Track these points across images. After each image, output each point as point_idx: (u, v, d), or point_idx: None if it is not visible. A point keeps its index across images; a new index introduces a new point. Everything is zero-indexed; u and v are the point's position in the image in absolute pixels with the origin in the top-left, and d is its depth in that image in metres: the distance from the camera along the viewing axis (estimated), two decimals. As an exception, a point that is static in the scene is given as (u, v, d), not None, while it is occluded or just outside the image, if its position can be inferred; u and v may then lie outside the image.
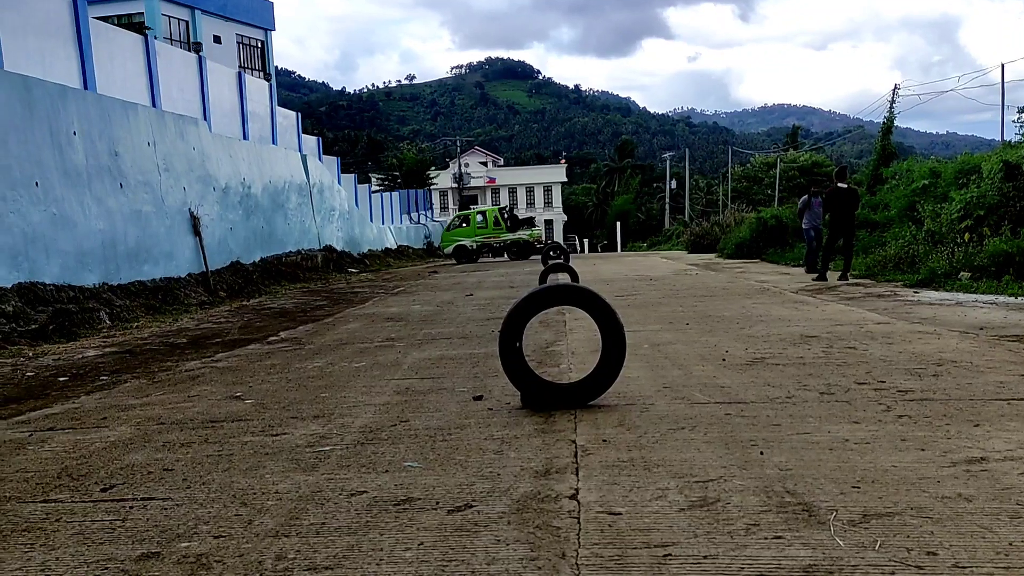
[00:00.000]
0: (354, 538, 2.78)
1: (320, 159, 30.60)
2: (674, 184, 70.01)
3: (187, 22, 29.70)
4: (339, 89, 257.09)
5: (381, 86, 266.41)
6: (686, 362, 6.12)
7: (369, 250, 32.22)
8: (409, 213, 49.60)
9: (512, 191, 78.08)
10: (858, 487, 3.06)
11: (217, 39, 30.83)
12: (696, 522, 2.78)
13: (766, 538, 2.61)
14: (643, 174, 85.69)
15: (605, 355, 4.64)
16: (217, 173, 18.10)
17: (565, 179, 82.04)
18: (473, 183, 73.58)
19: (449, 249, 33.72)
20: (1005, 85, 32.18)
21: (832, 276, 13.84)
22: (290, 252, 22.24)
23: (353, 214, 31.52)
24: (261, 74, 32.12)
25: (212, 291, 15.51)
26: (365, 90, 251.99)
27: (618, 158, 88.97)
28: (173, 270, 15.16)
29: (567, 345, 7.32)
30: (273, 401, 5.43)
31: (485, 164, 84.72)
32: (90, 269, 12.56)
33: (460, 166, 69.68)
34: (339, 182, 31.91)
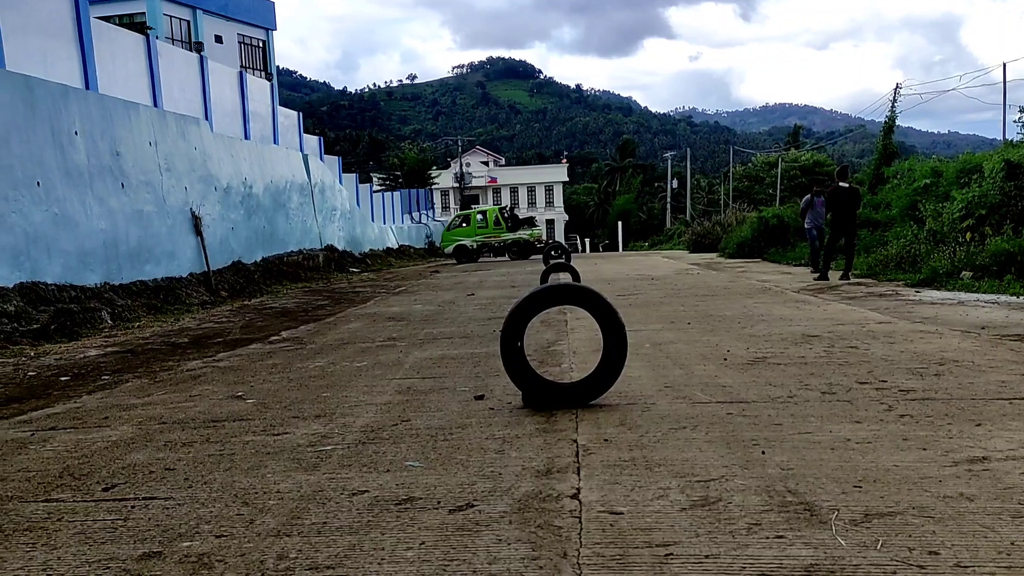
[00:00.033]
0: (356, 537, 2.78)
1: (321, 159, 30.61)
2: (675, 184, 69.99)
3: (188, 22, 29.72)
4: (340, 89, 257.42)
5: (382, 86, 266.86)
6: (687, 361, 6.11)
7: (370, 250, 32.23)
8: (410, 213, 49.61)
9: (513, 191, 78.08)
10: (860, 487, 3.06)
11: (219, 39, 30.84)
12: (698, 521, 2.77)
13: (768, 538, 2.61)
14: (644, 174, 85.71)
15: (606, 355, 4.64)
16: (219, 173, 18.11)
17: (566, 179, 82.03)
18: (474, 183, 73.61)
19: (449, 249, 33.72)
20: (1007, 84, 32.13)
21: (834, 275, 13.83)
22: (291, 252, 22.25)
23: (354, 214, 31.53)
24: (263, 74, 32.12)
25: (214, 291, 15.52)
26: (366, 90, 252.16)
27: (619, 158, 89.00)
28: (175, 270, 15.16)
29: (568, 344, 7.32)
30: (275, 401, 5.43)
31: (486, 164, 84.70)
32: (92, 269, 12.57)
33: (461, 166, 69.73)
34: (340, 182, 31.92)
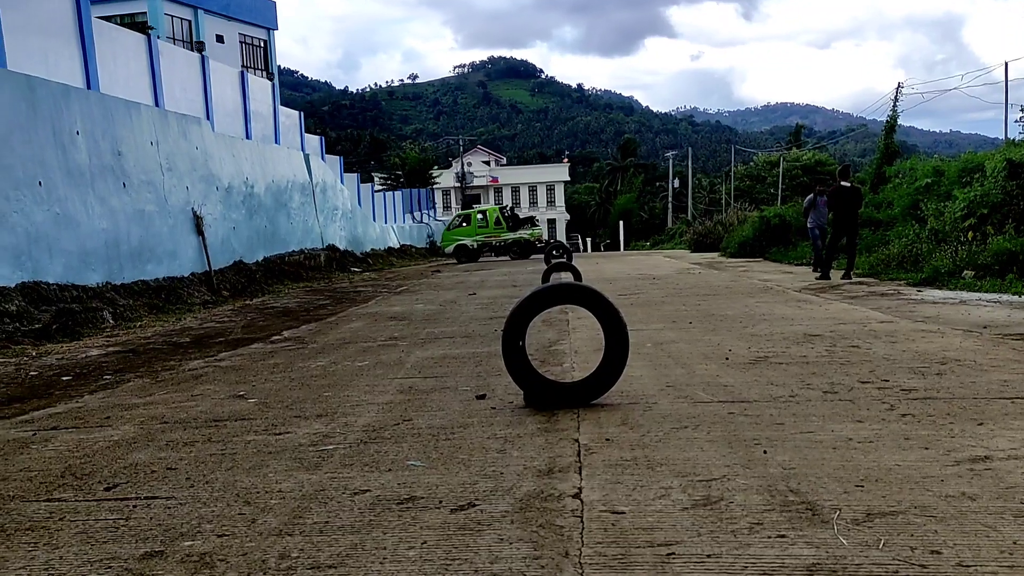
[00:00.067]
0: (357, 537, 2.78)
1: (323, 158, 30.62)
2: (677, 183, 69.98)
3: (190, 21, 29.74)
4: (342, 88, 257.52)
5: (384, 85, 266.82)
6: (689, 361, 6.11)
7: (372, 249, 32.24)
8: (412, 212, 49.61)
9: (515, 190, 78.06)
10: (862, 486, 3.05)
11: (220, 38, 30.85)
12: (699, 521, 2.77)
13: (769, 537, 2.61)
14: (646, 173, 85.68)
15: (608, 354, 4.64)
16: (220, 172, 18.12)
17: (568, 178, 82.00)
18: (476, 182, 73.61)
19: (450, 248, 33.72)
20: (1008, 84, 32.12)
21: (835, 275, 13.82)
22: (293, 251, 22.27)
23: (356, 213, 31.54)
24: (264, 73, 32.13)
25: (215, 290, 15.54)
26: (368, 89, 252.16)
27: (621, 157, 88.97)
28: (176, 269, 15.18)
29: (570, 344, 7.32)
30: (276, 400, 5.43)
31: (488, 163, 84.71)
32: (93, 268, 12.58)
33: (463, 165, 69.74)
34: (342, 181, 31.94)
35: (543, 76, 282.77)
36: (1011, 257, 11.18)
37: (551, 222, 73.89)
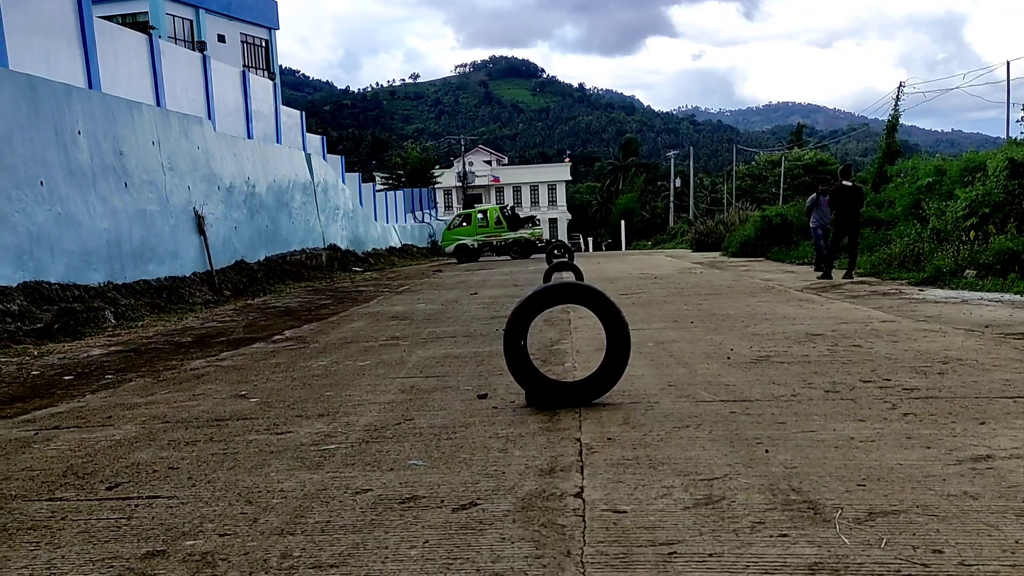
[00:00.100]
0: (359, 536, 2.78)
1: (324, 158, 30.63)
2: (678, 182, 69.95)
3: (191, 21, 29.73)
4: (343, 88, 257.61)
5: (385, 85, 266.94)
6: (691, 360, 6.11)
7: (373, 249, 32.25)
8: (413, 212, 49.60)
9: (516, 190, 78.05)
10: (863, 485, 3.05)
11: (221, 38, 30.84)
12: (701, 520, 2.77)
13: (771, 536, 2.60)
14: (647, 172, 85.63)
15: (610, 353, 4.64)
16: (221, 172, 18.13)
17: (569, 177, 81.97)
18: (477, 182, 73.59)
19: (450, 248, 33.70)
20: (1010, 83, 32.07)
21: (837, 274, 13.81)
22: (294, 251, 22.28)
23: (357, 213, 31.55)
24: (265, 73, 32.13)
25: (217, 290, 15.54)
26: (369, 89, 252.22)
27: (622, 156, 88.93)
28: (178, 269, 15.19)
29: (572, 343, 7.32)
30: (278, 400, 5.43)
31: (489, 163, 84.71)
32: (95, 268, 12.59)
33: (464, 165, 69.74)
34: (343, 181, 31.93)
35: (544, 75, 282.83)
36: (1013, 256, 11.17)
37: (552, 222, 73.86)
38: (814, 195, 16.46)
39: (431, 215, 53.44)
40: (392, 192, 47.62)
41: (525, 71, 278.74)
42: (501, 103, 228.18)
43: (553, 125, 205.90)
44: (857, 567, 2.35)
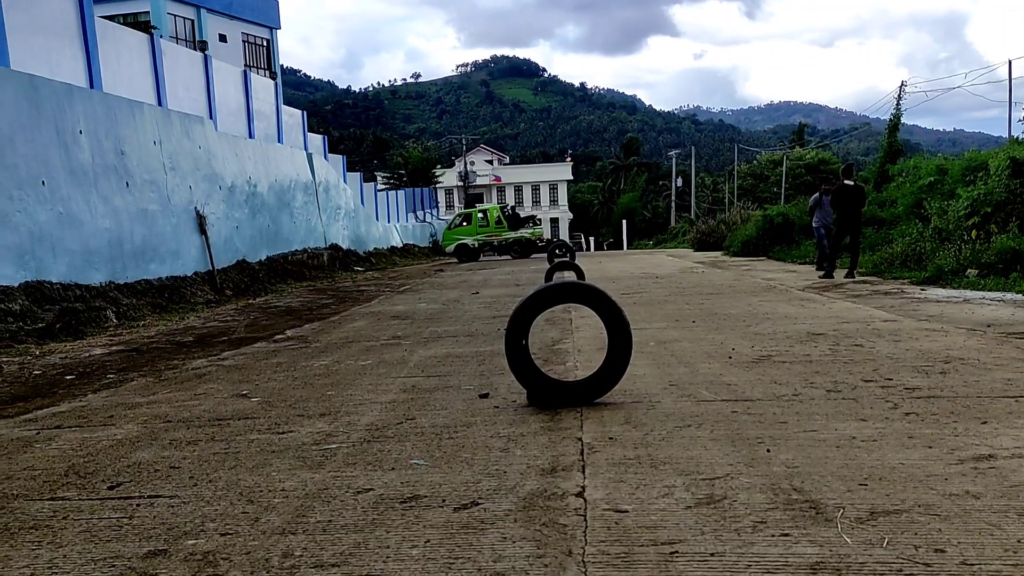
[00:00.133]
0: (361, 535, 2.78)
1: (326, 158, 30.63)
2: (680, 182, 69.93)
3: (193, 21, 29.74)
4: (344, 87, 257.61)
5: (386, 84, 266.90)
6: (692, 360, 6.11)
7: (375, 248, 32.25)
8: (415, 211, 49.60)
9: (518, 189, 78.04)
10: (865, 484, 3.05)
11: (223, 38, 30.85)
12: (703, 519, 2.77)
13: (773, 535, 2.60)
14: (649, 172, 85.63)
15: (611, 353, 4.64)
16: (223, 172, 18.13)
17: (571, 177, 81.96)
18: (479, 181, 73.57)
19: (450, 248, 33.68)
20: (1012, 82, 32.01)
21: (839, 273, 13.80)
22: (296, 250, 22.28)
23: (359, 212, 31.55)
24: (267, 73, 32.14)
25: (218, 289, 15.55)
26: (370, 88, 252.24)
27: (624, 156, 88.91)
28: (179, 269, 15.19)
29: (573, 343, 7.32)
30: (279, 399, 5.44)
31: (491, 162, 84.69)
32: (96, 268, 12.60)
33: (466, 164, 69.71)
34: (345, 180, 31.93)
35: (546, 75, 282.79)
36: (1015, 255, 11.16)
37: (554, 221, 73.84)
38: (817, 195, 16.43)
39: (432, 215, 53.44)
40: (393, 192, 47.60)
41: (526, 70, 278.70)
42: (503, 103, 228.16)
43: (555, 124, 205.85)
44: (859, 566, 2.34)
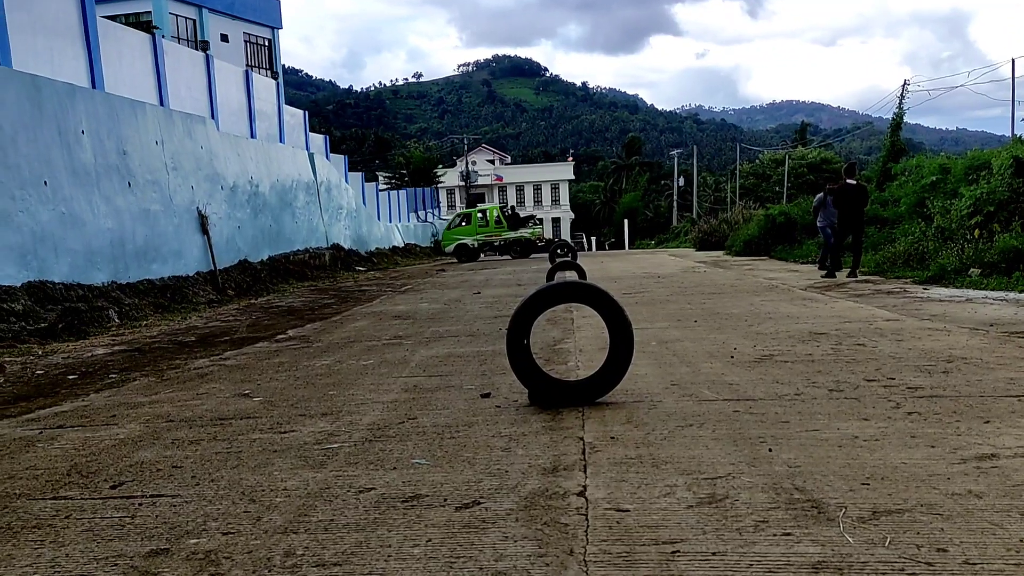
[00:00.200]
0: (362, 535, 2.78)
1: (327, 157, 30.66)
2: (682, 181, 69.88)
3: (194, 21, 29.75)
4: (346, 87, 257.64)
5: (388, 84, 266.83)
6: (694, 359, 6.10)
7: (376, 248, 32.27)
8: (416, 211, 49.63)
9: (519, 189, 78.04)
10: (867, 484, 3.05)
11: (224, 38, 30.86)
12: (705, 519, 2.77)
13: (775, 535, 2.60)
14: (651, 171, 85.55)
15: (613, 352, 4.64)
16: (225, 172, 18.15)
17: (572, 177, 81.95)
18: (480, 181, 73.58)
19: (450, 248, 33.66)
20: (1016, 80, 31.95)
21: (841, 273, 13.78)
22: (298, 250, 22.30)
23: (360, 212, 31.56)
24: (268, 72, 32.15)
25: (220, 289, 15.56)
26: (372, 88, 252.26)
27: (626, 155, 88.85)
28: (181, 269, 15.21)
29: (575, 342, 7.32)
30: (281, 399, 5.44)
31: (492, 162, 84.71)
32: (99, 268, 12.61)
33: (467, 164, 69.70)
34: (346, 180, 31.98)
35: (548, 74, 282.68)
36: (1018, 255, 11.14)
37: (555, 221, 73.83)
38: (821, 194, 16.39)
39: (434, 214, 53.47)
40: (395, 191, 47.64)
41: (528, 70, 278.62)
42: (504, 102, 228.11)
43: (556, 124, 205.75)
44: (861, 566, 2.34)
